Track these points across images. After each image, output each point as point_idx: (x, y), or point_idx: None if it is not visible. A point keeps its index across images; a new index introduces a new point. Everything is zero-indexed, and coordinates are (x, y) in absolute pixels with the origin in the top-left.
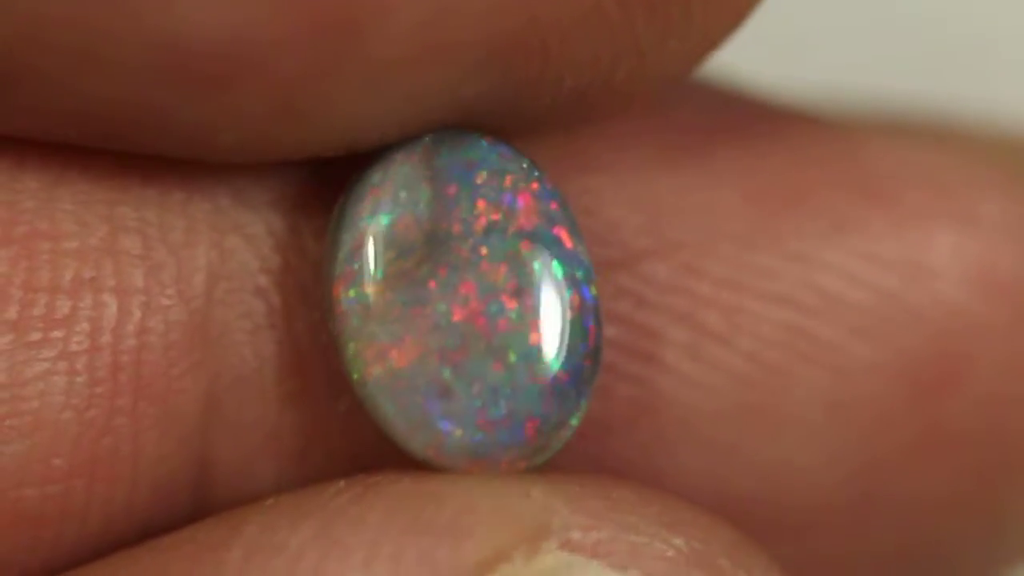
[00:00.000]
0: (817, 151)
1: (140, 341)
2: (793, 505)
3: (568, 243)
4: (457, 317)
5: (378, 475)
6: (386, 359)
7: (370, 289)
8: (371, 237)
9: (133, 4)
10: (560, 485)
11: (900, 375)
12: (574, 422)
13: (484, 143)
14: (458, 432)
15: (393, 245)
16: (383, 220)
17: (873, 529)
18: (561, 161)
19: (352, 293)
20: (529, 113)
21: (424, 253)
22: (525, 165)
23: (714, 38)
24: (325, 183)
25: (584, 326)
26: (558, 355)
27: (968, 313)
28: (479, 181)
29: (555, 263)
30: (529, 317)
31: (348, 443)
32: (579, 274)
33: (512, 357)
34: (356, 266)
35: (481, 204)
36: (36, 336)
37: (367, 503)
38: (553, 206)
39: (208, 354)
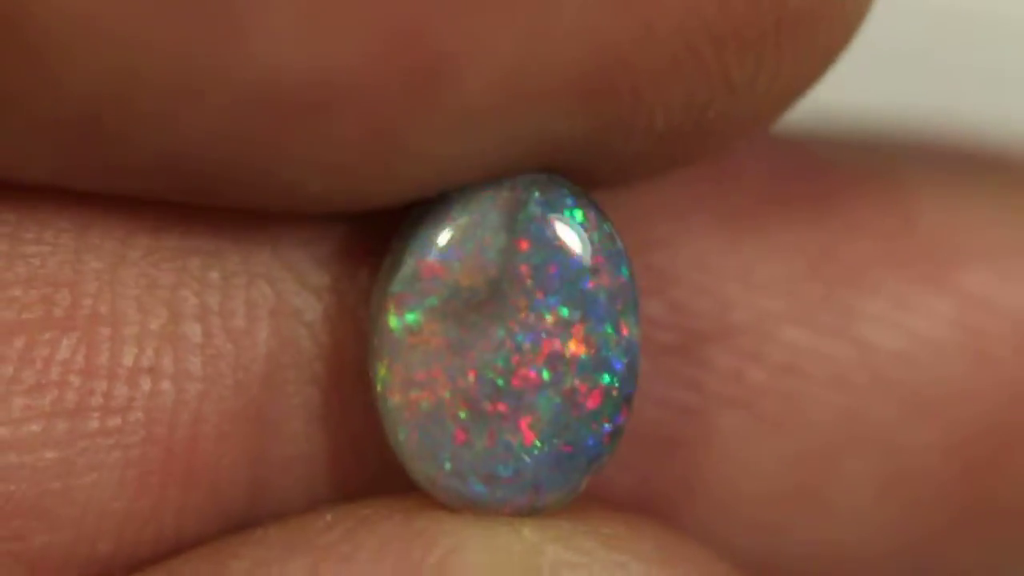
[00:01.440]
0: (875, 219)
1: (195, 431)
2: (843, 570)
3: (624, 329)
4: (496, 372)
5: (368, 508)
6: (412, 388)
7: (422, 317)
8: (438, 268)
9: (232, 40)
10: (551, 522)
11: (952, 451)
12: (579, 490)
13: (570, 200)
14: (459, 479)
15: (457, 282)
16: (454, 255)
17: None
18: (623, 231)
19: (404, 315)
20: (621, 155)
21: (483, 299)
22: (608, 231)
23: (805, 77)
24: (374, 252)
25: (617, 405)
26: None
27: (1021, 389)
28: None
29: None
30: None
31: None
32: (623, 360)
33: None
34: (415, 290)
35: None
36: (93, 425)
37: (357, 541)
38: (620, 280)
39: (261, 443)
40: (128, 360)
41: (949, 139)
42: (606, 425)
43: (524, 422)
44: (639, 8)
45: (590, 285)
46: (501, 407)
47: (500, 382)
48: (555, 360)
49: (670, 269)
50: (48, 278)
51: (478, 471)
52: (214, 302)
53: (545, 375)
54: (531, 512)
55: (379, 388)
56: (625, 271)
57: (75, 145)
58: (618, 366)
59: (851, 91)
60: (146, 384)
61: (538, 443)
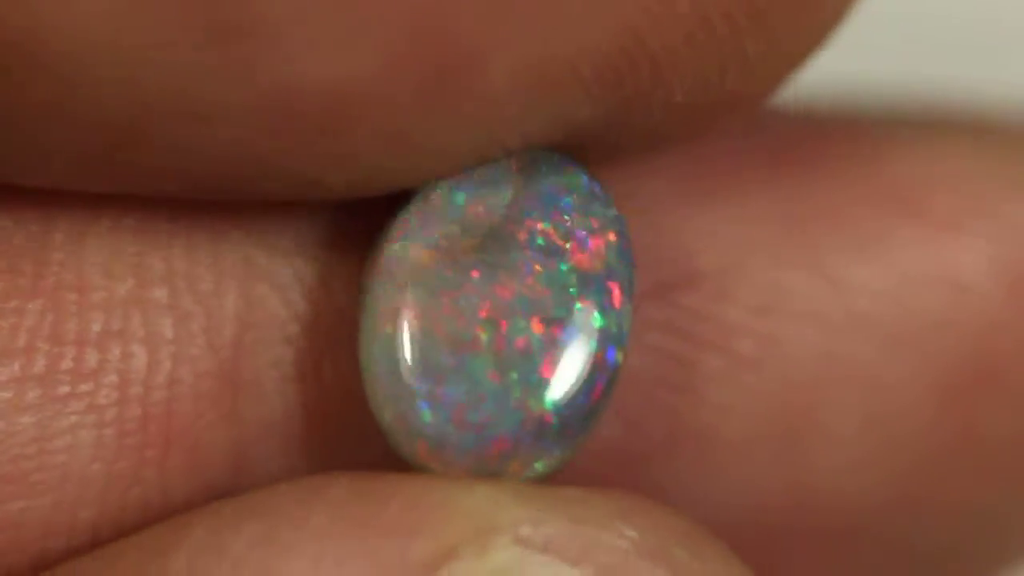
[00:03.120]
0: (843, 163)
1: (169, 392)
2: (829, 516)
3: (617, 302)
4: (482, 314)
5: (323, 476)
6: (399, 319)
7: (417, 249)
8: (441, 207)
9: (248, 57)
10: (506, 485)
11: (932, 384)
12: (539, 467)
13: (584, 177)
14: (430, 417)
15: (457, 222)
16: (459, 197)
17: (908, 534)
18: None
19: (399, 246)
20: (638, 130)
21: (481, 243)
22: (612, 215)
23: (813, 44)
24: (355, 226)
25: (593, 383)
26: (557, 400)
27: (998, 317)
28: (562, 205)
29: (597, 314)
30: (548, 350)
31: None
32: (613, 332)
33: (513, 376)
34: (414, 223)
35: (554, 227)
36: (64, 390)
37: (311, 504)
38: (619, 262)
39: (237, 404)
40: (96, 325)
41: (916, 100)
42: (583, 400)
43: (500, 374)
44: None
45: (592, 250)
46: (482, 353)
47: (485, 328)
48: (545, 320)
49: (639, 221)
50: (12, 251)
51: (449, 413)
52: (181, 266)
53: (533, 332)
54: (489, 475)
55: (366, 321)
56: (628, 255)
57: (91, 161)
58: (613, 332)
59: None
60: (116, 348)
61: (511, 400)
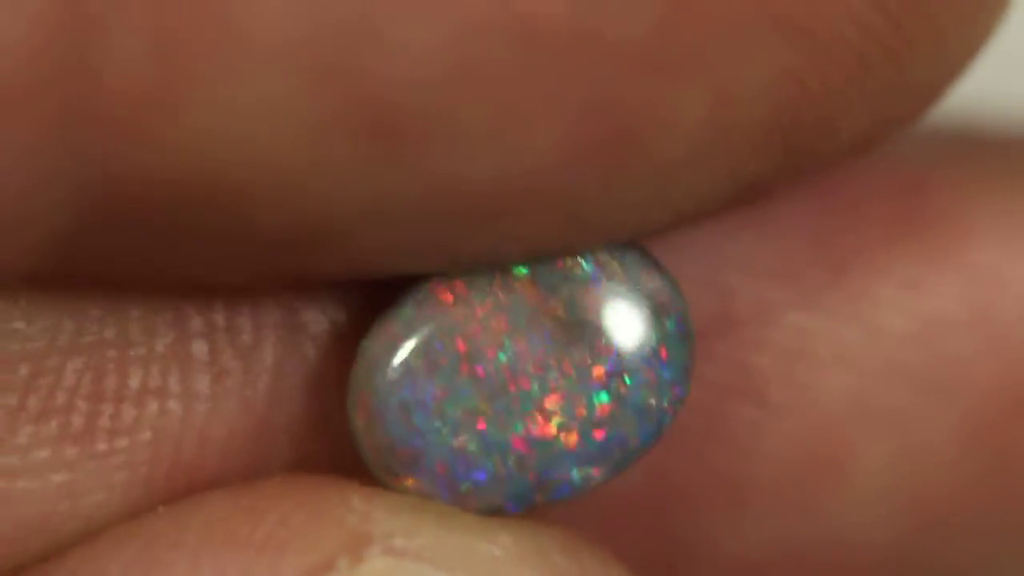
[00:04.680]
0: (881, 196)
1: (201, 448)
2: (857, 551)
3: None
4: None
5: (201, 494)
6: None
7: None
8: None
9: (410, 160)
10: (379, 494)
11: (964, 433)
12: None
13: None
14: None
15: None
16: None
17: (936, 566)
18: None
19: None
20: (810, 170)
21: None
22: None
23: (973, 50)
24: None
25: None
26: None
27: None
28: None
29: None
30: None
31: None
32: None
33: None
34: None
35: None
36: (101, 447)
37: (185, 523)
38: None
39: (270, 456)
40: (135, 382)
41: (955, 123)
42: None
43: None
44: (813, 37)
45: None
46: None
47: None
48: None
49: (669, 261)
50: (51, 309)
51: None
52: (220, 319)
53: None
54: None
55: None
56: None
57: (269, 268)
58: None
59: None
60: (153, 404)
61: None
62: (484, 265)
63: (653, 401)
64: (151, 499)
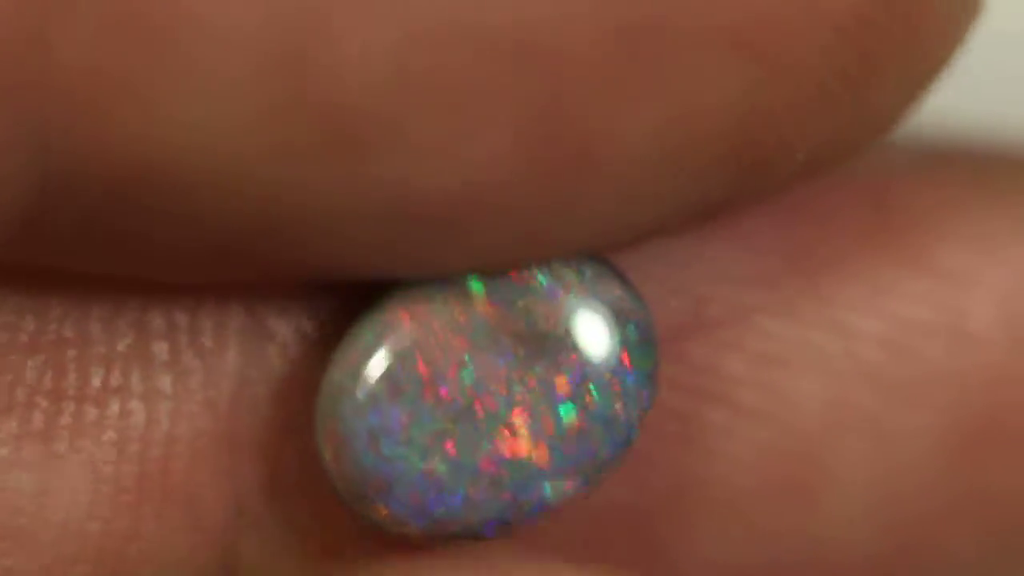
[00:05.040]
0: (850, 210)
1: (167, 450)
2: (835, 566)
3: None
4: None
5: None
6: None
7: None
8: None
9: (366, 167)
10: (497, 570)
11: (939, 436)
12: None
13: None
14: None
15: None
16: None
17: (909, 572)
18: None
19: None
20: (768, 190)
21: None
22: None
23: (932, 75)
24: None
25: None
26: None
27: (1006, 368)
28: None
29: None
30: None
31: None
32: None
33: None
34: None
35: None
36: (63, 446)
37: None
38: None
39: (234, 460)
40: (96, 381)
41: (922, 137)
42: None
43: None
44: (774, 61)
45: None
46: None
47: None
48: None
49: (643, 266)
50: (12, 307)
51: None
52: (183, 320)
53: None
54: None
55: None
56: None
57: (210, 262)
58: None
59: None
60: (115, 404)
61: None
62: (441, 275)
63: (620, 409)
64: (122, 503)
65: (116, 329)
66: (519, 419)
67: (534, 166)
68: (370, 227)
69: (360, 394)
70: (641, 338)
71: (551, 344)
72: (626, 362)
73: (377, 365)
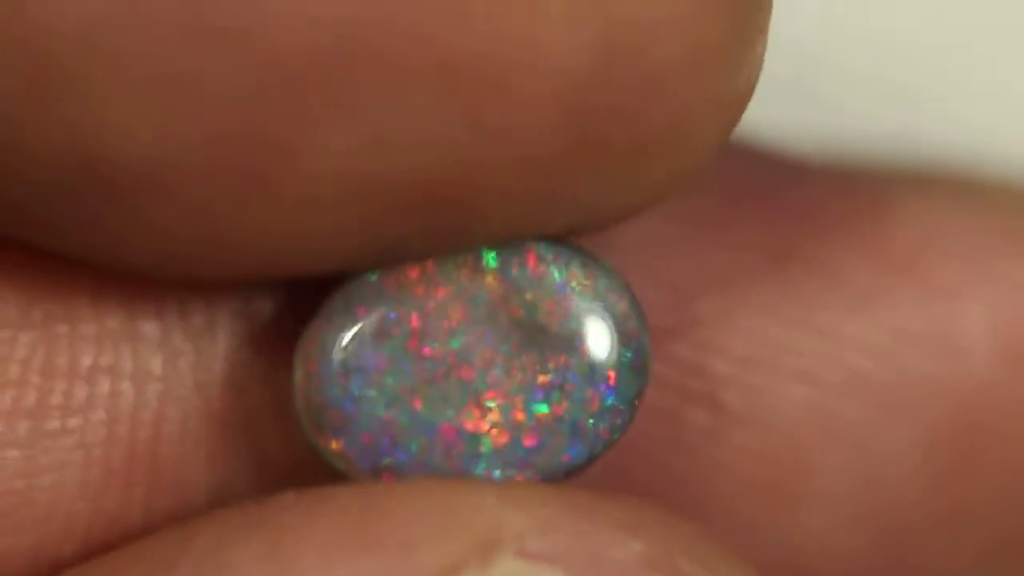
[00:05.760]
0: (841, 216)
1: (157, 431)
2: (818, 563)
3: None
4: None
5: (328, 486)
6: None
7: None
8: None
9: (60, 114)
10: (512, 491)
11: (923, 446)
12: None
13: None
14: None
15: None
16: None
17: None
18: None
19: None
20: (461, 247)
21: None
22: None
23: (662, 186)
24: None
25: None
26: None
27: (992, 381)
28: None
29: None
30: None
31: None
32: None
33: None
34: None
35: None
36: (54, 424)
37: (316, 517)
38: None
39: (224, 444)
40: (87, 359)
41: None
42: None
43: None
44: (482, 113)
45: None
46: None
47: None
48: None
49: (630, 267)
50: (1, 280)
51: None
52: (172, 300)
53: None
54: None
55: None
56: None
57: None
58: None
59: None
60: (105, 383)
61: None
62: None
63: (591, 423)
64: (110, 483)
65: (105, 308)
66: (491, 400)
67: (216, 165)
68: (59, 179)
69: (347, 328)
70: (634, 364)
71: (545, 339)
72: (612, 381)
73: (372, 306)
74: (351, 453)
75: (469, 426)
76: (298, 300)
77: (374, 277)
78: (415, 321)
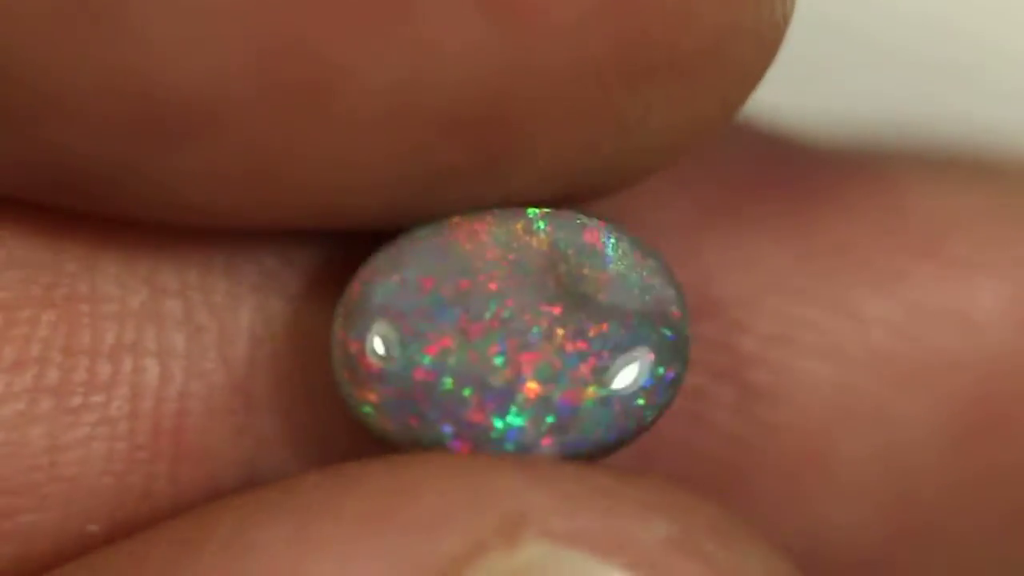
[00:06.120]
0: (861, 199)
1: (181, 406)
2: (839, 549)
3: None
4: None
5: (355, 467)
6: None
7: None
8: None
9: (106, 51)
10: (537, 470)
11: (943, 421)
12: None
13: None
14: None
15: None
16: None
17: (917, 569)
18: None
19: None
20: (512, 186)
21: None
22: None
23: (701, 121)
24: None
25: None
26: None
27: (1011, 357)
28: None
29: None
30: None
31: None
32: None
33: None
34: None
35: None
36: (77, 401)
37: (342, 498)
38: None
39: (249, 418)
40: (110, 337)
41: (938, 141)
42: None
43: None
44: (522, 40)
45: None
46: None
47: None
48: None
49: (654, 244)
50: (25, 260)
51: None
52: (194, 278)
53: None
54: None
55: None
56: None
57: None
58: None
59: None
60: (129, 360)
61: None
62: (188, 212)
63: (626, 401)
64: (134, 458)
65: (128, 286)
66: (529, 361)
67: (268, 89)
68: (107, 125)
69: (392, 279)
70: (674, 346)
71: (590, 309)
72: (651, 361)
73: (419, 261)
74: (384, 406)
75: (503, 385)
76: (327, 274)
77: (423, 233)
78: (461, 279)
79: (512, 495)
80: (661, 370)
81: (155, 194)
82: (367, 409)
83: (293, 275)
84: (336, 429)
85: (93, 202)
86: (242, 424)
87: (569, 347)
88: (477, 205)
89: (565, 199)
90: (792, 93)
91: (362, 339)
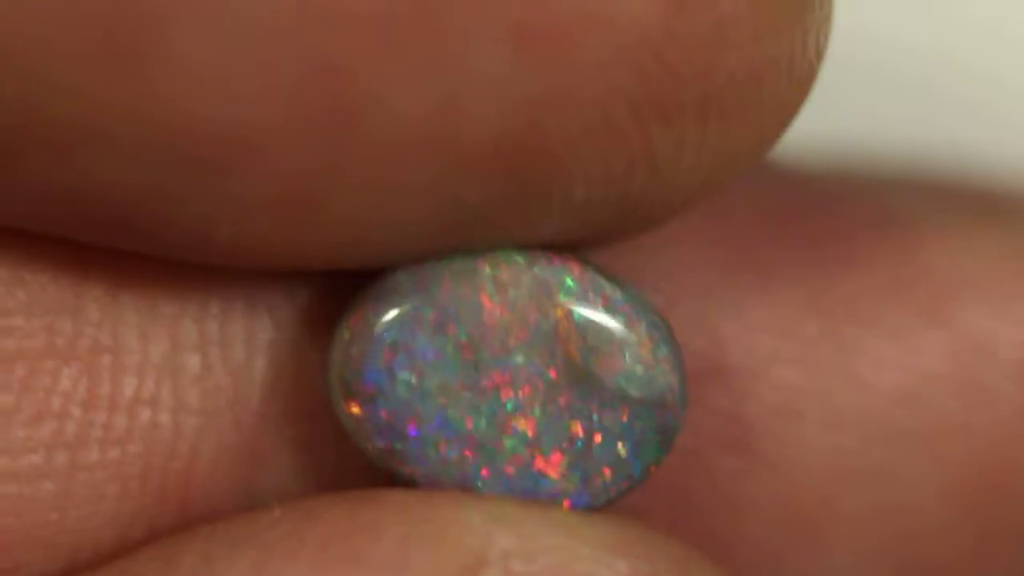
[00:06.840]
0: (877, 255)
1: (191, 464)
2: None
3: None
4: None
5: (316, 501)
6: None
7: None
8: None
9: (136, 81)
10: (500, 509)
11: (949, 490)
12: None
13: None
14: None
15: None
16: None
17: None
18: (613, 264)
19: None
20: (541, 224)
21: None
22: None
23: (733, 157)
24: None
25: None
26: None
27: (1020, 426)
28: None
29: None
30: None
31: None
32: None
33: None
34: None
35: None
36: (92, 457)
37: (302, 535)
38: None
39: (256, 472)
40: (128, 391)
41: (951, 177)
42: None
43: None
44: (555, 72)
45: None
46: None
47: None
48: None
49: (663, 306)
50: (50, 305)
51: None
52: (214, 331)
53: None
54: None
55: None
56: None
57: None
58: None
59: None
60: (145, 415)
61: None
62: (220, 252)
63: (603, 479)
64: (140, 513)
65: (150, 336)
66: (519, 425)
67: (302, 116)
68: (135, 153)
69: (405, 308)
70: (661, 441)
71: (590, 387)
72: (635, 448)
73: (435, 295)
74: (369, 424)
75: (489, 442)
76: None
77: (443, 269)
78: (473, 328)
79: (472, 536)
80: (644, 454)
81: (189, 226)
82: (352, 421)
83: (308, 329)
84: (347, 481)
85: (127, 237)
86: (247, 478)
87: (560, 421)
88: (504, 240)
89: (593, 239)
90: (805, 123)
91: (365, 358)
